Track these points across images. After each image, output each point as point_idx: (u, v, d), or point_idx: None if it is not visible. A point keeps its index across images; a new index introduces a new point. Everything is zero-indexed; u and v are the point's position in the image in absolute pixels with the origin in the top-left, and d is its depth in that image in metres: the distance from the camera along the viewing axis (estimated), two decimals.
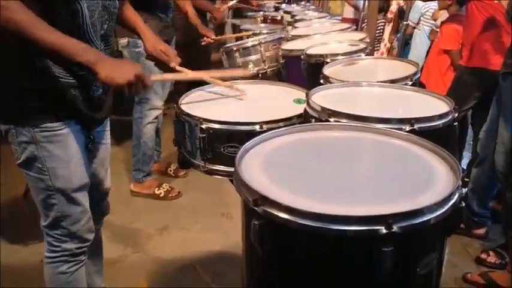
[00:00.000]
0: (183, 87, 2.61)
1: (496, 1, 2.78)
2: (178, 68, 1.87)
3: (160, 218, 3.03)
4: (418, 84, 1.97)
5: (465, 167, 3.34)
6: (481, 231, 2.81)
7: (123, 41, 2.97)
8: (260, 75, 3.19)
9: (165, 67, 1.89)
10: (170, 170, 3.64)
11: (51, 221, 1.65)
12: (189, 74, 1.86)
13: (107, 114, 1.75)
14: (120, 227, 2.87)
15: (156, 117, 3.26)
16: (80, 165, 1.64)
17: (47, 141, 1.54)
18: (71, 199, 1.63)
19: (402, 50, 3.52)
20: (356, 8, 6.14)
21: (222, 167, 1.63)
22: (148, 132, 3.24)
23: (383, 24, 4.80)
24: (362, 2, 4.71)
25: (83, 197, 1.68)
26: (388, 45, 4.34)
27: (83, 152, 1.65)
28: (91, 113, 1.62)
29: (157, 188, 3.31)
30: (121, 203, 3.13)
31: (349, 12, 6.40)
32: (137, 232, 2.88)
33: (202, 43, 3.50)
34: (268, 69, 3.19)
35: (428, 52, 3.83)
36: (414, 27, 4.02)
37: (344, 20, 6.35)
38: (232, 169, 1.14)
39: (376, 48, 4.58)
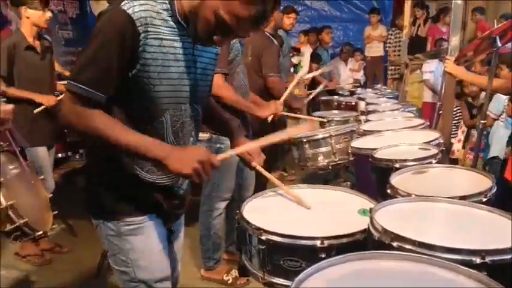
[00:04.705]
0: None
1: None
2: (258, 168, 1.84)
3: None
4: (501, 186, 1.84)
5: None
6: None
7: (204, 135, 2.84)
8: (331, 167, 3.17)
9: (248, 165, 1.85)
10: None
11: None
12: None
13: (186, 209, 1.80)
14: None
15: (225, 207, 3.17)
16: (162, 257, 1.68)
17: (130, 234, 1.60)
18: None
19: (481, 141, 3.34)
20: (434, 91, 6.02)
21: (281, 280, 1.61)
22: (219, 223, 3.16)
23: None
24: (439, 84, 4.61)
25: None
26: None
27: (164, 244, 1.69)
28: (173, 210, 1.70)
29: (226, 274, 3.25)
30: None
31: (428, 96, 6.29)
32: None
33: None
34: (339, 161, 3.16)
35: (508, 144, 3.60)
36: (496, 119, 3.83)
37: (423, 105, 6.25)
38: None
39: (453, 136, 4.41)
